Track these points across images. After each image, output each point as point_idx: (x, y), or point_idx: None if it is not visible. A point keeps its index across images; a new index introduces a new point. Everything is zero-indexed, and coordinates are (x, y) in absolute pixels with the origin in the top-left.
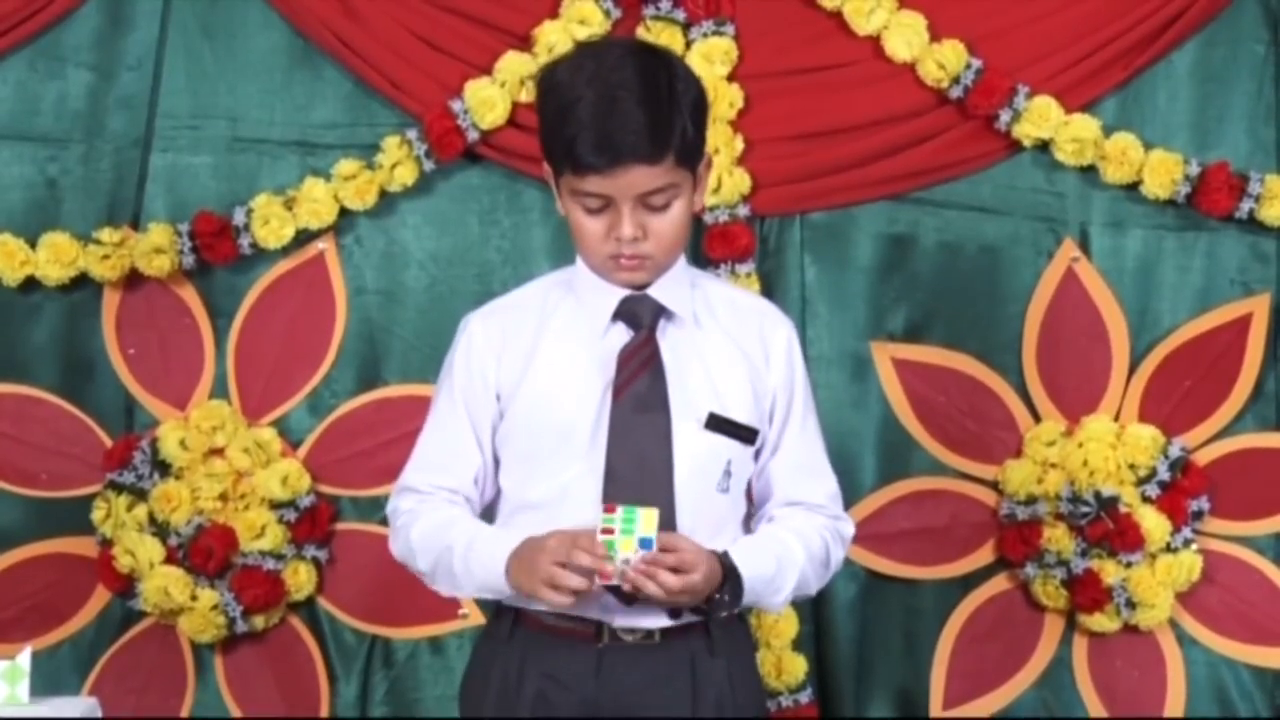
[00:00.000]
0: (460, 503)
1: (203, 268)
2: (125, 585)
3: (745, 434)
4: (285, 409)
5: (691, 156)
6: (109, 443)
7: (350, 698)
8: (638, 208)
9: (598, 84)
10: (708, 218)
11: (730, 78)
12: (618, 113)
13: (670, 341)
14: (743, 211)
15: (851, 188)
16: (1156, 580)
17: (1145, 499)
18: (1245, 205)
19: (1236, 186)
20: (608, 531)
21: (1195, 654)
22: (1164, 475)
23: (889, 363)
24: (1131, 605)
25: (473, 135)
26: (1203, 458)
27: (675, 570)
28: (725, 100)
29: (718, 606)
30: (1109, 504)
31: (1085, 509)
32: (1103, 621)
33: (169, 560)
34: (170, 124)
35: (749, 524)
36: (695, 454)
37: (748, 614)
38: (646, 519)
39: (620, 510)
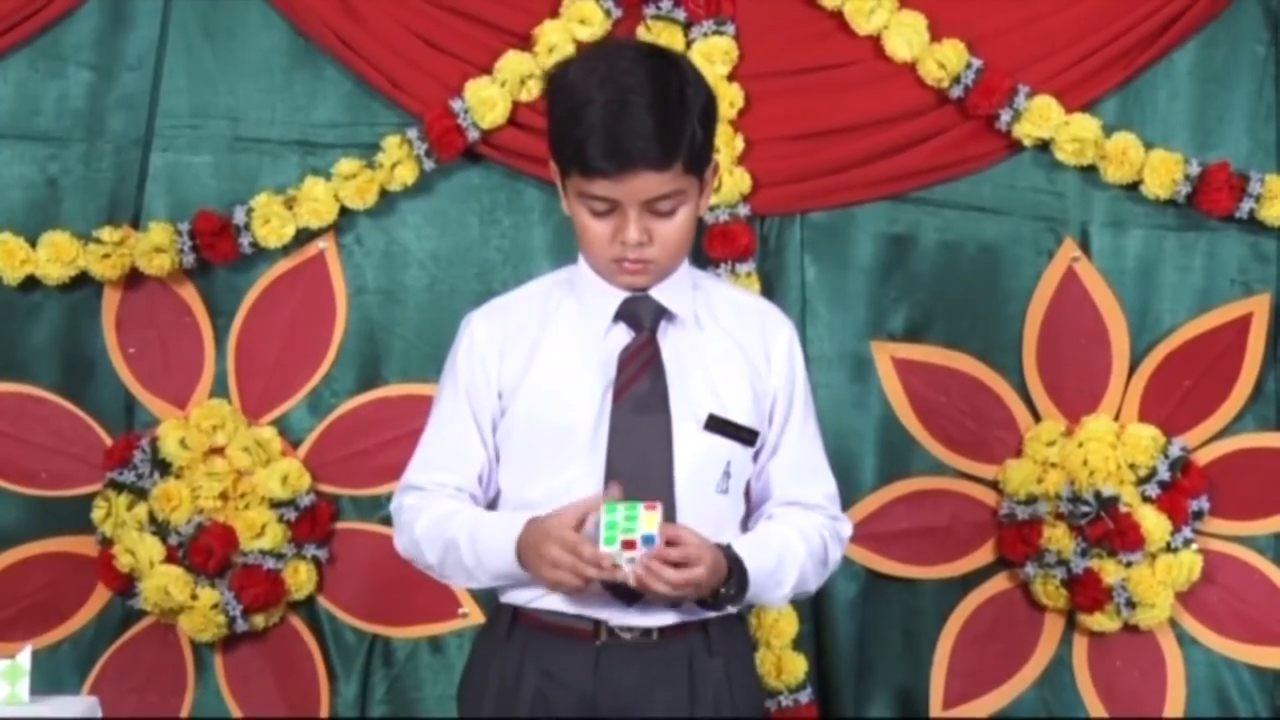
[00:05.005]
0: (465, 500)
1: (203, 267)
2: (125, 584)
3: (745, 435)
4: (285, 408)
5: (699, 163)
6: (109, 442)
7: (350, 697)
8: (644, 213)
9: (609, 87)
10: (708, 217)
11: (730, 77)
12: (628, 118)
13: (671, 343)
14: (743, 211)
15: (852, 187)
16: (1156, 580)
17: (1145, 499)
18: (1245, 205)
19: (1237, 186)
20: (611, 545)
21: (1195, 654)
22: (1164, 475)
23: (889, 362)
24: (1131, 605)
25: (473, 135)
26: (1203, 457)
27: (679, 564)
28: (725, 100)
29: (722, 600)
30: (1109, 504)
31: (1085, 509)
32: (1103, 621)
33: (169, 559)
34: (171, 123)
35: (747, 524)
36: (695, 455)
37: (746, 613)
38: (649, 517)
39: (623, 506)
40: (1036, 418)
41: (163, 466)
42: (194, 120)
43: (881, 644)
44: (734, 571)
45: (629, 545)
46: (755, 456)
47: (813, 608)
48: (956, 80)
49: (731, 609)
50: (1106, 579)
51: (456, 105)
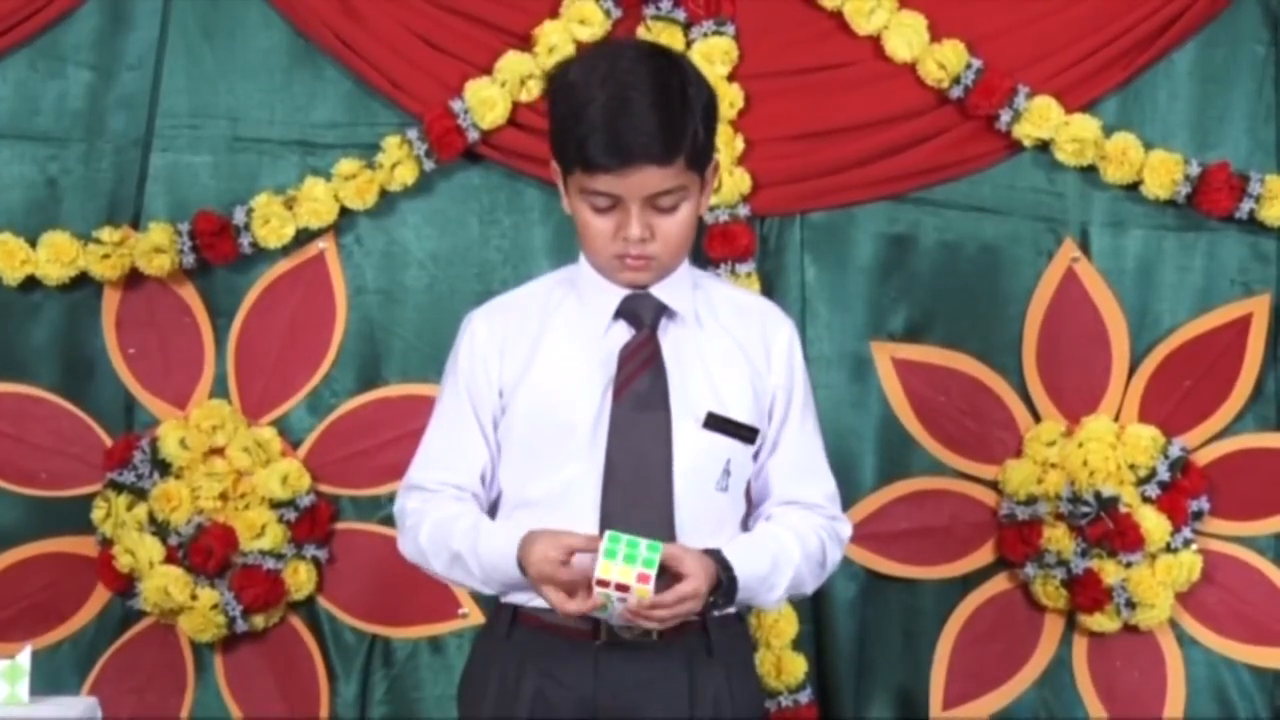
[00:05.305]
0: (468, 499)
1: (203, 267)
2: (125, 585)
3: (745, 433)
4: (285, 408)
5: (701, 159)
6: (109, 442)
7: (350, 697)
8: (646, 209)
9: (611, 85)
10: (708, 217)
11: (730, 78)
12: (630, 113)
13: (671, 341)
14: (743, 211)
15: (852, 188)
16: (1156, 580)
17: (1145, 499)
18: (1245, 205)
19: (1237, 186)
20: (603, 584)
21: (1195, 654)
22: (1164, 475)
23: (889, 362)
24: (1131, 605)
25: (473, 135)
26: (1203, 458)
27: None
28: (725, 100)
29: (710, 608)
30: (1109, 504)
31: (1085, 509)
32: (1103, 621)
33: (169, 560)
34: (170, 123)
35: (747, 523)
36: (695, 453)
37: (746, 614)
38: (640, 591)
39: (624, 545)
40: (1036, 418)
41: (163, 467)
42: (194, 120)
43: (881, 644)
44: (723, 582)
45: (603, 584)
46: (755, 455)
47: (813, 608)
48: (956, 80)
49: (717, 612)
50: (1106, 579)
51: (456, 105)
